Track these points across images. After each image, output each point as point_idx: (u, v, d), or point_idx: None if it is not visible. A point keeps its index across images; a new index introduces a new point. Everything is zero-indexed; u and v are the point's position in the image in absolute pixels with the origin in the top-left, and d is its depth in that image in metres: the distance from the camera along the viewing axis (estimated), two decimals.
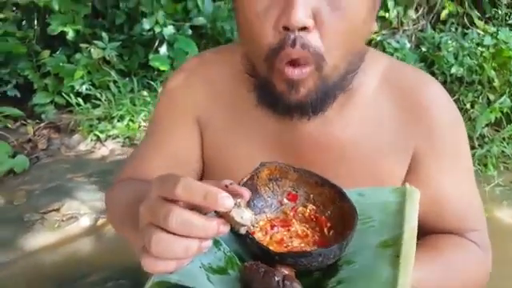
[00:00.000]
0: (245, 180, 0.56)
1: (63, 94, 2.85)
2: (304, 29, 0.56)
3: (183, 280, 0.46)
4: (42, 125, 2.80)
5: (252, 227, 0.55)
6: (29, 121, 2.83)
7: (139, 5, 3.03)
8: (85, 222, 2.10)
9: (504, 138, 2.71)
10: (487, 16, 3.06)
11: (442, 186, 0.73)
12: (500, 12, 2.95)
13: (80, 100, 2.82)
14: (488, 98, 2.86)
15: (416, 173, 0.73)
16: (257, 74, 0.66)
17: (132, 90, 2.92)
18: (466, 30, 2.99)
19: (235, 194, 0.46)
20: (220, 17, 2.93)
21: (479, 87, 2.90)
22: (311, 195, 0.59)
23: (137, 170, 0.81)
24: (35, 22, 3.13)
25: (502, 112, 2.77)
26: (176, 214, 0.43)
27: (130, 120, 2.74)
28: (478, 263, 0.74)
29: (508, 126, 2.75)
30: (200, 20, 2.93)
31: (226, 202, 0.43)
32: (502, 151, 2.65)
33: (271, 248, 0.52)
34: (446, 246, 0.71)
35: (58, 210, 2.16)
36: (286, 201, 0.59)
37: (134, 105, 2.82)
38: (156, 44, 2.97)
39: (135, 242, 0.62)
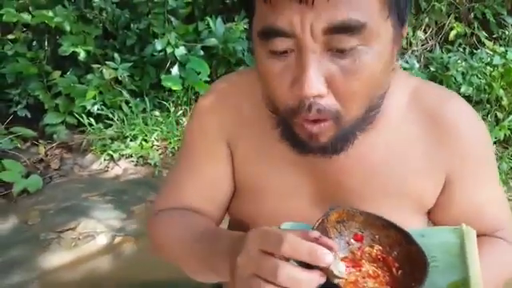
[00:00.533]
0: (317, 224, 0.58)
1: (75, 114, 2.85)
2: (318, 95, 0.57)
3: None
4: (54, 145, 2.78)
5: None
6: (40, 141, 2.82)
7: (150, 26, 3.07)
8: (102, 240, 2.07)
9: None
10: (494, 36, 3.13)
11: (477, 197, 0.76)
12: (507, 32, 3.02)
13: (92, 120, 2.81)
14: (496, 116, 2.90)
15: (452, 188, 0.75)
16: (278, 114, 0.67)
17: (144, 110, 2.93)
18: (475, 50, 3.05)
19: (326, 247, 0.50)
20: (231, 38, 2.96)
21: (487, 106, 2.95)
22: (377, 236, 0.61)
23: (175, 199, 0.83)
24: (46, 42, 3.15)
25: (510, 130, 2.81)
26: (285, 269, 0.48)
27: (143, 139, 2.73)
28: (509, 257, 0.79)
29: None
30: (212, 41, 2.96)
31: (327, 258, 0.49)
32: (511, 167, 2.67)
33: None
34: (485, 251, 0.73)
35: (74, 228, 2.13)
36: (352, 241, 0.62)
37: (147, 124, 2.82)
38: (168, 64, 2.99)
39: (200, 271, 0.73)
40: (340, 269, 0.51)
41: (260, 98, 0.75)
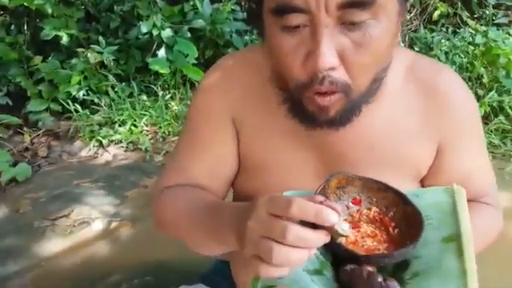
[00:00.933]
0: (318, 191, 0.62)
1: (59, 100, 2.78)
2: (331, 68, 0.60)
3: (290, 284, 0.56)
4: (40, 132, 2.72)
5: None
6: (25, 129, 2.75)
7: (134, 8, 3.00)
8: (97, 226, 2.05)
9: (492, 130, 2.82)
10: (476, 16, 3.19)
11: (466, 165, 0.81)
12: (487, 12, 3.09)
13: (78, 106, 2.76)
14: (477, 94, 2.98)
15: (443, 156, 0.79)
16: (287, 90, 0.69)
17: (131, 95, 2.88)
18: (457, 30, 3.11)
19: (331, 208, 0.53)
20: (219, 19, 2.93)
21: (469, 83, 3.01)
22: (374, 199, 0.65)
23: (180, 175, 0.83)
24: (25, 26, 3.05)
25: (490, 106, 2.89)
26: (293, 230, 0.51)
27: (133, 125, 2.70)
28: (493, 220, 0.85)
29: (495, 118, 2.87)
30: (199, 22, 2.93)
31: (332, 218, 0.52)
32: (490, 142, 2.75)
33: (357, 251, 0.58)
34: (473, 216, 0.77)
35: (68, 215, 2.10)
36: (351, 205, 0.65)
37: (135, 109, 2.78)
38: (154, 47, 2.94)
39: (204, 244, 0.73)
40: (344, 227, 0.55)
41: (266, 76, 0.76)
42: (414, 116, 0.76)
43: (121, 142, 2.64)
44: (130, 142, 2.63)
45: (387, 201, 0.64)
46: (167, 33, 2.91)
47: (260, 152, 0.81)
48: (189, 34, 2.99)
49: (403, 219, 0.62)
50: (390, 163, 0.77)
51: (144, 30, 2.86)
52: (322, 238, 0.53)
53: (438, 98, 0.76)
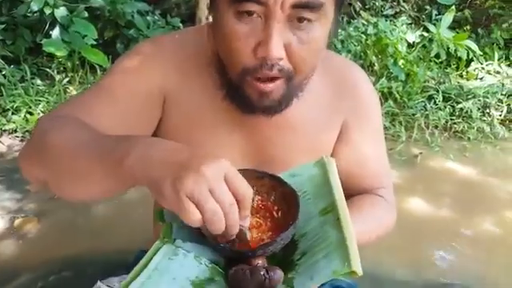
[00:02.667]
0: None
1: None
2: (279, 58, 0.67)
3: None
4: None
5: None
6: None
7: None
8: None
9: (383, 114, 3.12)
10: (367, 7, 3.45)
11: (364, 151, 0.88)
12: (377, 4, 3.36)
13: None
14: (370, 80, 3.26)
15: (344, 140, 0.88)
16: (226, 75, 0.73)
17: (23, 79, 2.63)
18: (352, 20, 3.34)
19: None
20: None
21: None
22: (255, 187, 0.65)
23: (82, 113, 0.73)
24: None
25: (381, 92, 3.18)
26: (237, 212, 0.53)
27: (28, 112, 2.47)
28: (387, 213, 0.90)
29: (386, 103, 3.17)
30: (98, 1, 2.75)
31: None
32: (383, 125, 3.04)
33: (242, 249, 0.60)
34: (365, 205, 0.87)
35: None
36: None
37: (28, 95, 2.55)
38: (46, 27, 2.70)
39: (86, 175, 0.62)
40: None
41: (204, 60, 0.79)
42: (326, 105, 0.85)
43: (15, 131, 2.41)
44: (27, 131, 2.41)
45: (266, 187, 0.67)
46: (61, 11, 2.69)
47: (188, 132, 0.81)
48: (86, 14, 2.80)
49: (283, 200, 0.65)
50: (309, 147, 0.84)
51: (35, 8, 2.61)
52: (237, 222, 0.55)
53: (346, 87, 0.85)
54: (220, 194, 0.52)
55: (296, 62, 0.68)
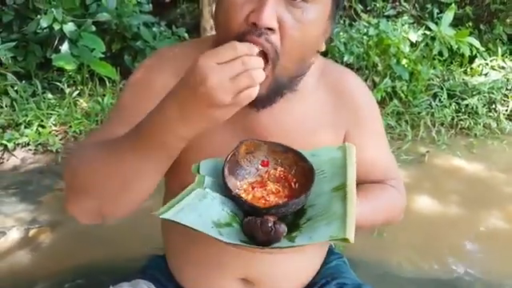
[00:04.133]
0: (229, 156, 0.72)
1: None
2: (269, 29, 0.69)
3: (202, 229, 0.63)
4: None
5: (238, 190, 0.72)
6: None
7: (29, 1, 2.80)
8: (14, 235, 1.94)
9: (388, 113, 3.13)
10: (368, 9, 3.48)
11: (369, 151, 0.92)
12: (378, 5, 3.38)
13: None
14: (373, 81, 3.28)
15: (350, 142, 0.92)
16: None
17: (34, 93, 2.70)
18: (353, 22, 3.37)
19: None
20: (125, 12, 2.86)
21: (366, 71, 3.31)
22: (279, 160, 0.76)
23: (103, 136, 0.77)
24: None
25: (385, 91, 3.21)
26: (247, 58, 0.59)
27: (40, 125, 2.54)
28: (396, 200, 0.96)
29: (390, 102, 3.19)
30: (104, 16, 2.82)
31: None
32: (388, 123, 3.06)
33: (257, 204, 0.69)
34: (374, 189, 0.92)
35: None
36: (260, 167, 0.76)
37: (40, 109, 2.62)
38: (56, 42, 2.78)
39: (127, 170, 0.68)
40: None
41: None
42: (323, 111, 0.88)
43: (28, 144, 2.48)
44: (39, 144, 2.48)
45: (289, 160, 0.75)
46: (70, 27, 2.77)
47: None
48: (93, 28, 2.87)
49: (302, 175, 0.73)
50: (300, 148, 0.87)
51: (44, 24, 2.69)
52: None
53: (345, 96, 0.89)
54: (233, 71, 0.57)
55: (286, 39, 0.69)
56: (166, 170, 0.72)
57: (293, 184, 0.73)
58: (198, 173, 0.73)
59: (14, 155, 2.44)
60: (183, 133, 0.64)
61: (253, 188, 0.73)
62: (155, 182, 0.72)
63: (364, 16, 3.29)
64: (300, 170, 0.73)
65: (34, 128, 2.52)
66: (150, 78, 0.84)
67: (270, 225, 0.63)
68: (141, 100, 0.82)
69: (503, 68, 3.76)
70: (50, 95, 2.75)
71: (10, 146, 2.44)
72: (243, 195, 0.71)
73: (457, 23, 3.88)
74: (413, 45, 3.45)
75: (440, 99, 3.29)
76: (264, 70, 0.62)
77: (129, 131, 0.69)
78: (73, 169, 0.74)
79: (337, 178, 0.71)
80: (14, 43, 2.68)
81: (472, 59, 3.75)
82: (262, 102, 0.76)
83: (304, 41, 0.72)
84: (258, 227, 0.63)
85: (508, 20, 3.96)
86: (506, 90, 3.44)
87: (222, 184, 0.69)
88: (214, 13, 0.77)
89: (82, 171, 0.72)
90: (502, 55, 3.84)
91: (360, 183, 0.89)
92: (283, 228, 0.64)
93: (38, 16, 2.75)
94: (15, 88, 2.67)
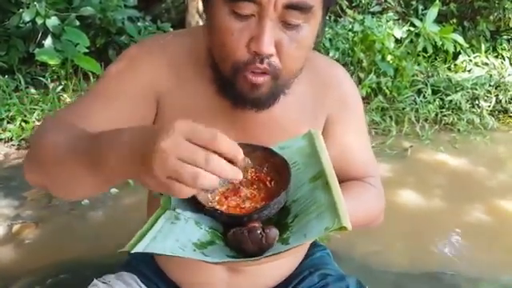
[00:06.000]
0: None
1: None
2: (270, 54, 0.70)
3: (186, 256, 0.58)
4: None
5: (210, 203, 0.65)
6: None
7: None
8: None
9: (373, 109, 3.16)
10: (353, 5, 3.50)
11: (349, 142, 0.93)
12: (363, 1, 3.40)
13: None
14: (359, 77, 3.31)
15: (329, 133, 0.92)
16: (218, 69, 0.77)
17: (17, 88, 2.67)
18: (338, 18, 3.38)
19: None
20: (109, 6, 2.83)
21: (351, 67, 3.33)
22: (248, 160, 0.69)
23: (78, 122, 0.76)
24: None
25: (370, 87, 3.23)
26: (216, 159, 0.53)
27: (23, 121, 2.51)
28: (376, 199, 0.95)
29: (375, 98, 3.22)
30: (88, 10, 2.79)
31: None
32: (372, 119, 3.09)
33: (236, 213, 0.64)
34: (354, 187, 0.92)
35: None
36: None
37: (23, 104, 2.59)
38: (39, 36, 2.74)
39: (82, 176, 0.64)
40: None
41: (198, 57, 0.83)
42: (311, 102, 0.88)
43: (11, 139, 2.45)
44: (22, 140, 2.45)
45: (259, 159, 0.71)
46: (53, 21, 2.74)
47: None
48: (77, 22, 2.84)
49: (275, 171, 0.70)
50: None
51: (27, 18, 2.66)
52: (238, 172, 0.56)
53: (329, 85, 0.90)
54: (189, 157, 0.52)
55: (285, 59, 0.72)
56: (99, 189, 0.68)
57: (268, 183, 0.70)
58: (162, 194, 0.66)
59: None
60: (119, 175, 0.59)
61: (226, 198, 0.68)
62: (95, 189, 0.68)
63: (349, 12, 3.31)
64: (272, 166, 0.70)
65: (17, 123, 2.49)
66: (138, 68, 0.82)
67: (258, 232, 0.58)
68: (123, 91, 0.81)
69: (486, 64, 3.83)
70: (33, 90, 2.71)
71: None
72: (217, 207, 0.66)
73: (441, 20, 3.93)
74: (397, 41, 3.49)
75: (424, 95, 3.33)
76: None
77: (91, 135, 0.67)
78: (37, 139, 0.74)
79: (311, 167, 0.70)
80: None
81: (456, 56, 3.80)
82: (261, 105, 0.78)
83: (301, 54, 0.75)
84: (245, 237, 0.59)
85: (491, 17, 4.02)
86: (489, 86, 3.50)
87: (191, 201, 0.63)
88: (207, 28, 0.76)
89: (41, 146, 0.71)
90: (486, 52, 3.90)
91: (341, 181, 0.87)
92: (274, 232, 0.59)
93: (21, 10, 2.71)
94: None
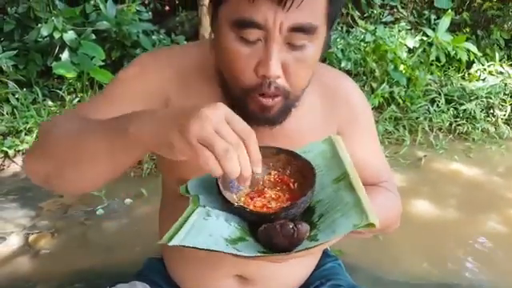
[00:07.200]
0: None
1: None
2: (277, 76, 0.72)
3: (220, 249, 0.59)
4: None
5: (236, 203, 0.67)
6: None
7: (30, 9, 2.84)
8: (14, 240, 1.95)
9: (386, 119, 3.15)
10: (365, 16, 3.51)
11: (361, 152, 0.93)
12: (375, 12, 3.41)
13: None
14: (371, 86, 3.31)
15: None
16: (228, 87, 0.79)
17: (35, 101, 2.73)
18: (350, 29, 3.40)
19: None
20: (124, 20, 2.89)
21: (364, 77, 3.33)
22: (271, 164, 0.73)
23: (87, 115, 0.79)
24: None
25: (383, 97, 3.22)
26: (244, 151, 0.56)
27: None
28: (393, 203, 0.96)
29: (388, 108, 3.20)
30: (104, 24, 2.85)
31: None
32: (386, 129, 3.08)
33: (264, 211, 0.66)
34: (370, 192, 0.91)
35: None
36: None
37: (40, 116, 2.64)
38: (56, 50, 2.81)
39: (98, 156, 0.66)
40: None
41: (206, 73, 0.84)
42: (320, 114, 0.90)
43: None
44: None
45: (282, 162, 0.73)
46: (70, 35, 2.80)
47: None
48: (93, 36, 2.91)
49: (299, 173, 0.71)
50: None
51: (44, 33, 2.72)
52: (249, 177, 0.58)
53: (338, 98, 0.91)
54: (226, 134, 0.55)
55: (292, 79, 0.74)
56: (117, 170, 0.69)
57: (291, 184, 0.72)
58: (189, 193, 0.70)
59: (14, 162, 2.46)
60: (136, 131, 0.60)
61: (251, 198, 0.70)
62: (105, 173, 0.70)
63: (361, 23, 3.32)
64: (295, 169, 0.72)
65: (35, 135, 2.54)
66: (146, 76, 0.84)
67: (291, 226, 0.59)
68: (130, 95, 0.83)
69: (501, 73, 3.79)
70: (50, 102, 2.77)
71: (11, 152, 2.46)
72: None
73: (454, 29, 3.91)
74: (410, 51, 3.48)
75: (438, 104, 3.31)
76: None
77: (106, 120, 0.69)
78: (46, 130, 0.76)
79: (333, 170, 0.71)
80: (14, 52, 2.71)
81: (469, 64, 3.78)
82: (274, 122, 0.80)
83: (307, 72, 0.76)
84: (277, 232, 0.60)
85: (505, 25, 3.99)
86: (504, 94, 3.46)
87: (220, 199, 0.66)
88: (214, 49, 0.77)
89: (53, 135, 0.73)
90: (500, 60, 3.87)
91: None
92: (306, 227, 0.60)
93: (39, 25, 2.78)
94: (16, 96, 2.70)
